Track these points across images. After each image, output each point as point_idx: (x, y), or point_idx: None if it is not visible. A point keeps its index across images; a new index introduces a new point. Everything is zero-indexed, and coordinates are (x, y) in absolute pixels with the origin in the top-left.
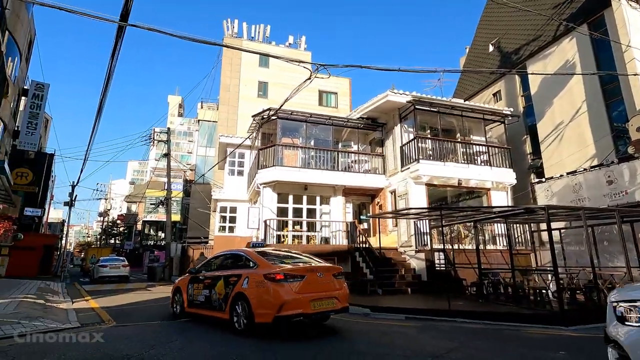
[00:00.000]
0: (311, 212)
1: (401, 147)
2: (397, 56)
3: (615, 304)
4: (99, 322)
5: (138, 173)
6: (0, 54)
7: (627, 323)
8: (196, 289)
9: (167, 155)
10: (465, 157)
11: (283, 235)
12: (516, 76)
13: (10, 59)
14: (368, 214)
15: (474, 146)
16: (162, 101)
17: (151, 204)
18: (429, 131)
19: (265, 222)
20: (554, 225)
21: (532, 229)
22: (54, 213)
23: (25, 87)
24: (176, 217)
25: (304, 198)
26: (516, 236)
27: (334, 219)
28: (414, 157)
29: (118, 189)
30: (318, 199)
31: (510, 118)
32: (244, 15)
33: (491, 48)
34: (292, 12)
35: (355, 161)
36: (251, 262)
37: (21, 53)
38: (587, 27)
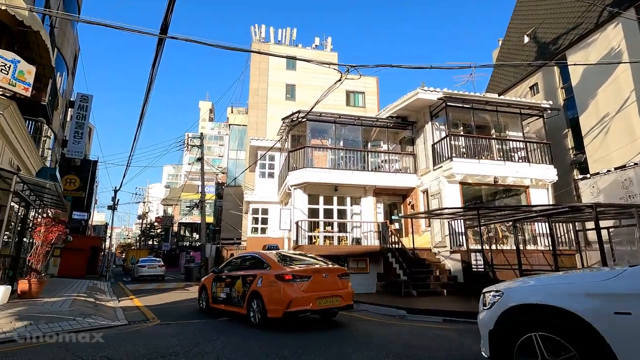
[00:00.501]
0: (342, 213)
1: (433, 146)
2: (424, 53)
3: (484, 293)
4: (144, 320)
5: (173, 177)
6: (52, 69)
7: (483, 307)
8: (219, 287)
9: (200, 159)
10: (501, 153)
11: (314, 237)
12: (555, 68)
13: (58, 74)
14: (400, 214)
15: (511, 142)
16: (194, 107)
17: (186, 207)
18: (461, 128)
19: (296, 223)
20: (602, 224)
21: (577, 228)
22: (98, 216)
23: (71, 99)
24: (210, 219)
25: (335, 199)
26: (559, 236)
27: (365, 220)
28: (446, 155)
29: (155, 193)
30: (348, 199)
31: (549, 112)
32: (269, 20)
33: (526, 39)
34: (316, 12)
35: (386, 161)
36: (265, 264)
37: (68, 68)
38: (635, 11)
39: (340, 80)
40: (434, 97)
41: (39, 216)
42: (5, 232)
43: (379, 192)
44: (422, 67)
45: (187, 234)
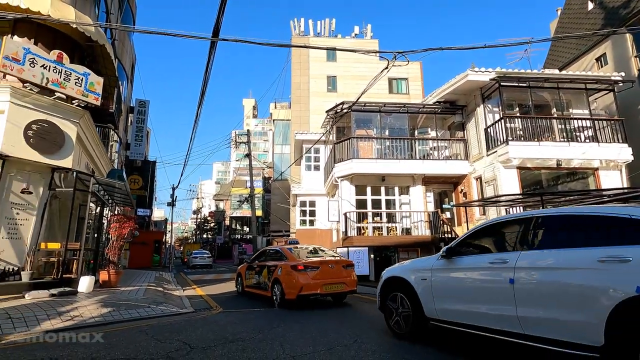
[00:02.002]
0: (390, 203)
1: (486, 130)
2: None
3: (382, 274)
4: (208, 308)
5: (222, 174)
6: (116, 79)
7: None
8: (250, 274)
9: (248, 155)
10: (564, 134)
11: (363, 227)
12: (627, 35)
13: (120, 82)
14: (451, 203)
15: (575, 121)
16: (238, 104)
17: (237, 202)
18: (517, 109)
19: (344, 214)
20: None
21: None
22: (157, 212)
23: (131, 105)
24: (259, 213)
25: (382, 189)
26: None
27: (415, 209)
28: (501, 139)
29: (207, 189)
30: (396, 189)
31: (621, 84)
32: (308, 12)
33: (591, 5)
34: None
35: (434, 148)
36: (284, 256)
37: (127, 76)
38: None
39: (387, 68)
40: (486, 77)
41: (111, 213)
42: (88, 230)
43: (428, 181)
44: (474, 47)
45: (239, 227)
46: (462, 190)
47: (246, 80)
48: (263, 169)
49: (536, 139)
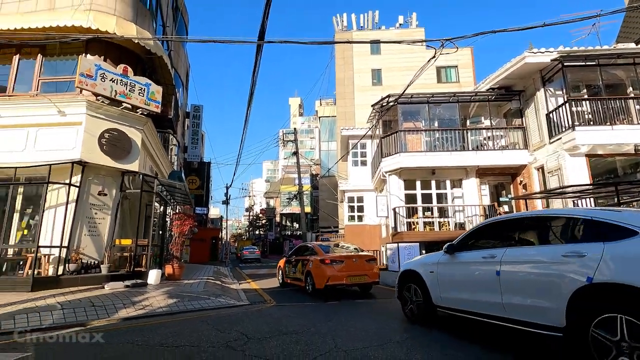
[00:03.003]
0: (441, 197)
1: (547, 115)
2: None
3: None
4: (262, 302)
5: (271, 172)
6: (173, 87)
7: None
8: (289, 267)
9: (295, 153)
10: None
11: (413, 223)
12: None
13: (176, 90)
14: (509, 196)
15: None
16: (284, 103)
17: (286, 199)
18: (584, 91)
19: (393, 210)
20: None
21: None
22: (213, 210)
23: (187, 111)
24: (308, 209)
25: (433, 183)
26: None
27: (468, 203)
28: (566, 125)
29: (257, 187)
30: (448, 182)
31: None
32: (351, 7)
33: None
34: None
35: (489, 138)
36: (314, 252)
37: (182, 83)
38: None
39: (434, 56)
40: (546, 59)
41: (173, 212)
42: (154, 227)
43: (482, 173)
44: (532, 27)
45: (288, 223)
46: (521, 181)
47: (292, 80)
48: (310, 166)
49: (608, 123)
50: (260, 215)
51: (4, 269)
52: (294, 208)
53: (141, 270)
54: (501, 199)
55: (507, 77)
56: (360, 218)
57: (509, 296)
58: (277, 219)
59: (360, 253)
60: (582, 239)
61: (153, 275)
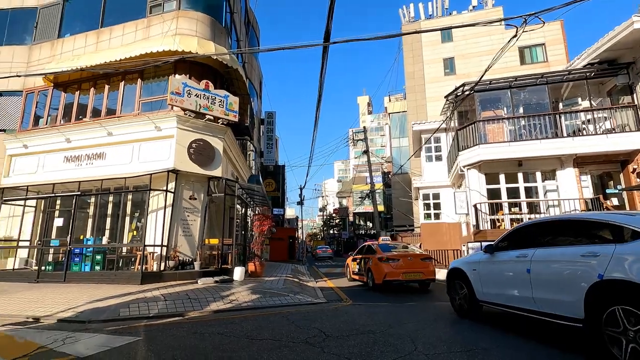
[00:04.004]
0: (530, 191)
1: None
2: None
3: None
4: (339, 300)
5: (343, 171)
6: (248, 97)
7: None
8: (354, 265)
9: (365, 152)
10: None
11: (498, 220)
12: None
13: (251, 99)
14: (619, 187)
15: None
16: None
17: (359, 198)
18: None
19: (474, 206)
20: None
21: None
22: (289, 211)
23: (261, 118)
24: (381, 208)
25: (519, 176)
26: None
27: (565, 197)
28: None
29: (330, 187)
30: (538, 174)
31: None
32: None
33: None
34: None
35: (589, 121)
36: (374, 251)
37: (256, 92)
38: None
39: (515, 35)
40: None
41: (253, 213)
42: (236, 228)
43: (582, 161)
44: None
45: (362, 222)
46: (634, 169)
47: (359, 78)
48: (382, 164)
49: None
50: (334, 214)
51: (120, 264)
52: (367, 207)
53: (227, 267)
54: (608, 191)
55: (610, 48)
56: (437, 216)
57: (538, 291)
58: (350, 218)
59: (416, 252)
60: (598, 240)
61: (238, 272)
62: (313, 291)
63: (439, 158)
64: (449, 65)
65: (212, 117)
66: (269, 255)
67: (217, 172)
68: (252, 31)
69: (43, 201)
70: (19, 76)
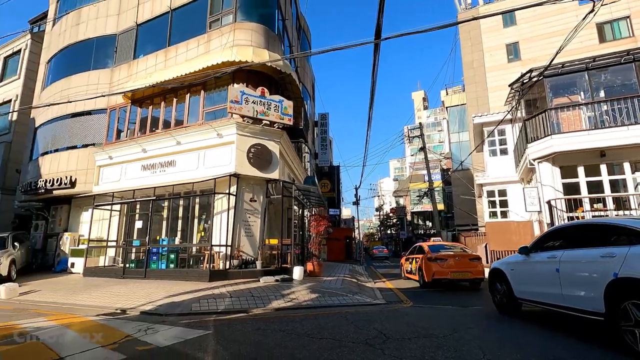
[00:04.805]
0: (617, 185)
1: None
2: None
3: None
4: (399, 302)
5: (399, 170)
6: (302, 100)
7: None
8: (406, 264)
9: (422, 149)
10: None
11: (577, 217)
12: None
13: (304, 102)
14: None
15: None
16: (406, 98)
17: (416, 196)
18: None
19: (548, 203)
20: None
21: None
22: (345, 211)
23: (315, 120)
24: (440, 206)
25: (602, 168)
26: None
27: None
28: None
29: (386, 186)
30: (627, 165)
31: None
32: None
33: None
34: None
35: None
36: (424, 251)
37: (309, 95)
38: None
39: (592, 10)
40: None
41: (310, 214)
42: (294, 228)
43: None
44: None
45: (420, 222)
46: None
47: (413, 74)
48: (440, 161)
49: None
50: (391, 214)
51: (190, 263)
52: (426, 206)
53: (287, 267)
54: None
55: None
56: (503, 214)
57: (566, 288)
58: (408, 217)
59: (464, 253)
60: (617, 243)
61: (297, 272)
62: (372, 292)
63: (504, 152)
64: (513, 50)
65: (268, 122)
66: (326, 255)
67: (275, 175)
68: (304, 36)
69: (125, 206)
70: (104, 96)
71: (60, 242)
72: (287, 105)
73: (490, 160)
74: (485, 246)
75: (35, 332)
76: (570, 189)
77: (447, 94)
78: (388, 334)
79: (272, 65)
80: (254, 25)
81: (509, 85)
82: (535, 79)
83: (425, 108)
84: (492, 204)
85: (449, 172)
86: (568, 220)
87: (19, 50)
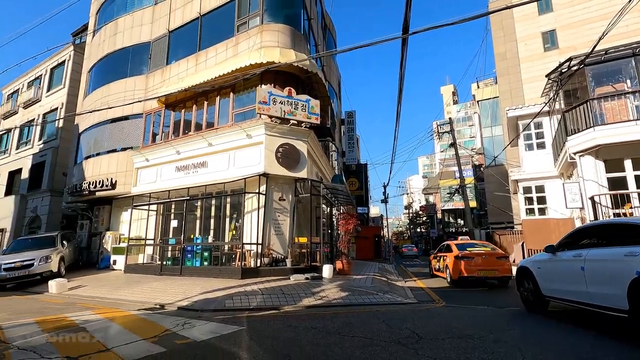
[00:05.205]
0: None
1: None
2: None
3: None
4: (431, 301)
5: (428, 167)
6: (328, 99)
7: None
8: (435, 262)
9: (453, 144)
10: None
11: (625, 214)
12: None
13: (331, 100)
14: None
15: None
16: (435, 93)
17: (447, 194)
18: None
19: (591, 199)
20: None
21: None
22: (373, 209)
23: (342, 118)
24: (472, 204)
25: None
26: None
27: None
28: None
29: (414, 184)
30: None
31: None
32: None
33: None
34: None
35: None
36: (451, 249)
37: (336, 93)
38: None
39: None
40: None
41: (338, 212)
42: (323, 227)
43: None
44: None
45: (451, 219)
46: None
47: (442, 68)
48: (472, 157)
49: None
50: (420, 212)
51: (223, 260)
52: (457, 203)
53: (316, 265)
54: None
55: None
56: (541, 211)
57: (591, 286)
58: (439, 215)
59: (491, 251)
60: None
61: (327, 270)
62: (402, 291)
63: (541, 146)
64: (549, 38)
65: (295, 122)
66: (355, 253)
67: (303, 174)
68: (329, 34)
69: (161, 206)
70: (140, 101)
71: (103, 241)
72: (314, 104)
73: (526, 155)
74: (522, 245)
75: (83, 325)
76: (616, 183)
77: (478, 87)
78: (421, 333)
79: (298, 65)
80: (280, 27)
81: (546, 76)
82: (575, 67)
83: (455, 102)
84: (529, 200)
85: (482, 168)
86: (614, 217)
87: (64, 62)
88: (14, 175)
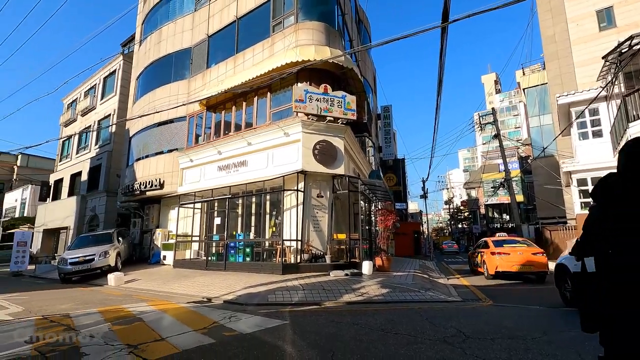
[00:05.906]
0: None
1: None
2: None
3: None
4: (476, 300)
5: (469, 160)
6: (364, 94)
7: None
8: (473, 258)
9: (496, 136)
10: None
11: None
12: None
13: (367, 96)
14: None
15: None
16: (476, 83)
17: (491, 188)
18: None
19: None
20: None
21: None
22: (412, 205)
23: (378, 113)
24: (519, 198)
25: None
26: None
27: None
28: None
29: (455, 178)
30: None
31: None
32: None
33: None
34: None
35: None
36: (487, 245)
37: (371, 88)
38: None
39: None
40: None
41: (376, 208)
42: (361, 223)
43: None
44: None
45: (496, 215)
46: None
47: (482, 55)
48: (517, 148)
49: None
50: (462, 207)
51: (264, 256)
52: (502, 198)
53: (356, 261)
54: None
55: None
56: None
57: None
58: (482, 210)
59: (527, 247)
60: None
61: (366, 266)
62: (445, 288)
63: (597, 134)
64: (605, 17)
65: (332, 118)
66: (394, 250)
67: (340, 170)
68: (364, 28)
69: (205, 204)
70: (183, 104)
71: (154, 237)
72: (350, 100)
73: (580, 145)
74: (576, 241)
75: (140, 315)
76: None
77: (523, 74)
78: (467, 332)
79: (333, 62)
80: (314, 24)
81: (603, 58)
82: (637, 47)
83: (498, 92)
84: (584, 193)
85: (529, 160)
86: None
87: (114, 71)
88: (75, 177)
